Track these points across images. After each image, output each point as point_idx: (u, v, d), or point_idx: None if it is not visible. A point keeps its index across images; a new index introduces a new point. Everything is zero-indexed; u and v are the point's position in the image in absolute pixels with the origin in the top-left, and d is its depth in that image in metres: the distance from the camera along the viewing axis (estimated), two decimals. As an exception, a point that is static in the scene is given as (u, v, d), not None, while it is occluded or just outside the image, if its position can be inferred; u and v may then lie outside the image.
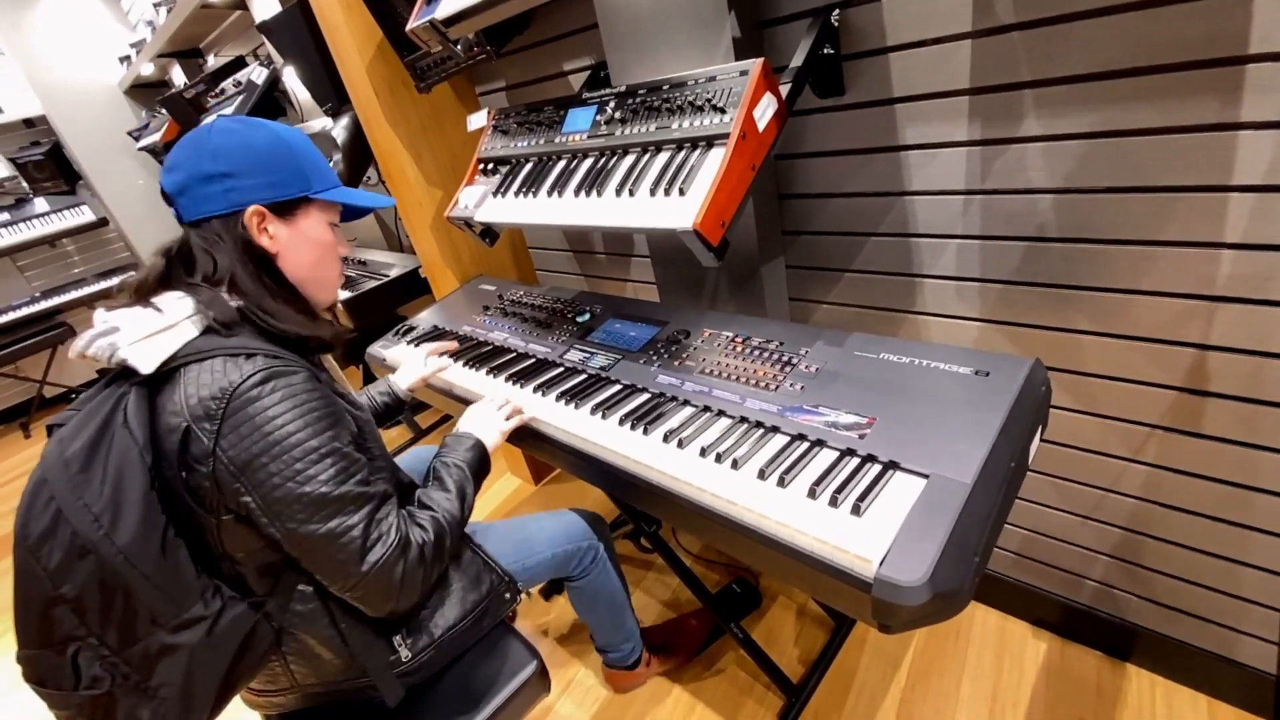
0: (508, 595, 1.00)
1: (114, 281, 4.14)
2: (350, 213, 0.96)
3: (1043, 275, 1.04)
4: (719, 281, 1.39)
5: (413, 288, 2.31)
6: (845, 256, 1.28)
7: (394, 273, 2.32)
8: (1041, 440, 1.17)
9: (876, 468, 0.79)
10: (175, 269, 0.80)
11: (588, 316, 1.38)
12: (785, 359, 1.03)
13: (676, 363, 1.12)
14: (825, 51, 1.03)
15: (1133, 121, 0.86)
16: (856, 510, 0.73)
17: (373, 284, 2.27)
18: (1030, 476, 1.24)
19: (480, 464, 1.01)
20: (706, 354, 1.12)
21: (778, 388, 0.97)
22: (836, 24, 1.04)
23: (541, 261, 2.04)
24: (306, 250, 0.85)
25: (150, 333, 0.72)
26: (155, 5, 2.78)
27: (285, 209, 0.83)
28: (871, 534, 0.70)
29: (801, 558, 0.73)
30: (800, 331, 1.09)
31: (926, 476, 0.75)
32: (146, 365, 0.71)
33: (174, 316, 0.74)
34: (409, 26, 1.14)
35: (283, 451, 0.71)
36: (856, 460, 0.81)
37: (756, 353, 1.07)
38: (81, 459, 0.68)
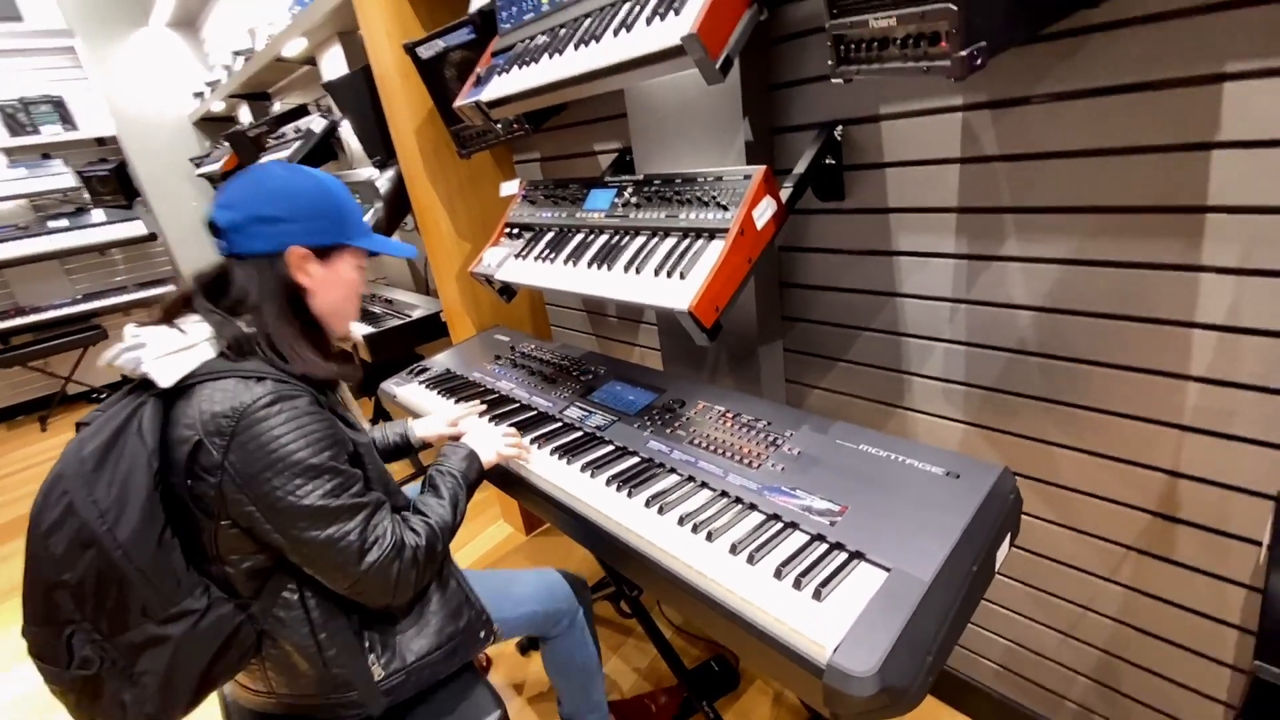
0: (482, 635, 1.03)
1: (152, 292, 4.35)
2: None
3: (1022, 386, 1.09)
4: (719, 356, 1.46)
5: (432, 330, 2.41)
6: (840, 347, 1.34)
7: (416, 314, 2.42)
8: (1015, 547, 1.20)
9: (843, 556, 0.82)
10: (199, 295, 0.88)
11: (591, 376, 1.45)
12: (771, 439, 1.08)
13: (668, 430, 1.17)
14: (827, 162, 1.13)
15: (1102, 253, 0.93)
16: (818, 595, 0.76)
17: (396, 322, 2.37)
18: (1012, 586, 1.25)
19: (474, 476, 1.07)
20: (698, 425, 1.17)
21: (760, 466, 1.02)
22: (839, 138, 1.14)
23: (556, 318, 2.14)
24: (336, 289, 0.94)
25: (172, 350, 0.80)
26: (235, 54, 3.04)
27: (324, 252, 0.92)
28: (829, 620, 0.72)
29: (761, 636, 0.76)
30: (788, 414, 1.14)
31: (888, 570, 0.78)
32: (165, 380, 0.78)
33: (194, 338, 0.82)
34: (457, 103, 1.27)
35: (285, 468, 0.78)
36: (825, 546, 0.84)
37: (745, 430, 1.12)
38: (96, 458, 0.75)
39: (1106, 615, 1.13)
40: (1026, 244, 1.01)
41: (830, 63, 0.83)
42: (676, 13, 0.86)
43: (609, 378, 1.43)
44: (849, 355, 1.33)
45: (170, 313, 0.85)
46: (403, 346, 2.40)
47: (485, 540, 2.28)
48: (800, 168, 1.10)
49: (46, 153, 4.14)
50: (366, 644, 0.92)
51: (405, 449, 1.34)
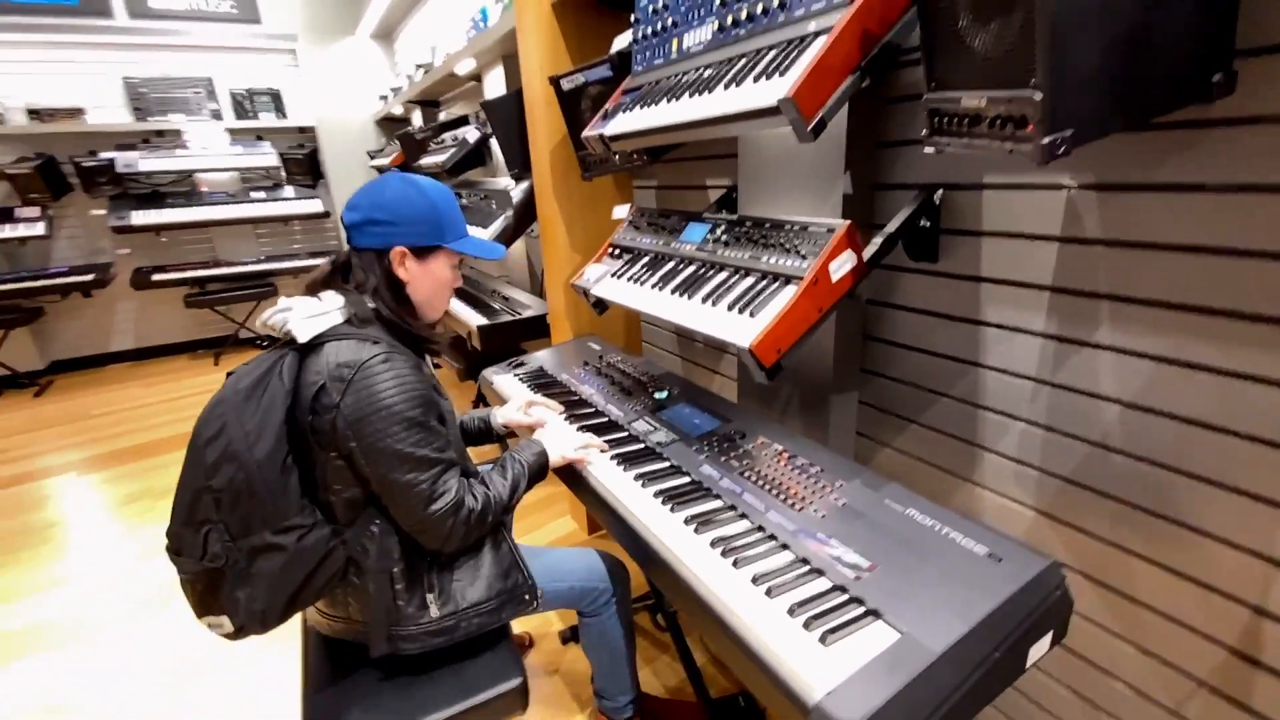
0: (526, 597, 1.15)
1: (318, 260, 5.02)
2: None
3: (1101, 484, 1.03)
4: (791, 397, 1.48)
5: (539, 329, 2.60)
6: (916, 408, 1.32)
7: (527, 313, 2.64)
8: (1065, 649, 1.12)
9: (859, 610, 0.83)
10: (336, 274, 1.10)
11: (665, 395, 1.53)
12: (821, 485, 1.10)
13: (724, 458, 1.22)
14: (922, 224, 1.14)
15: (1202, 357, 0.87)
16: (824, 640, 0.78)
17: (508, 318, 2.60)
18: (1055, 689, 1.16)
19: (539, 468, 1.21)
20: (752, 459, 1.21)
21: (802, 509, 1.04)
22: (938, 202, 1.14)
23: (648, 335, 2.24)
24: (429, 283, 1.11)
25: (311, 315, 0.99)
26: (417, 66, 3.48)
27: (422, 252, 1.09)
28: (829, 666, 0.75)
29: (762, 666, 0.79)
30: (845, 465, 1.15)
31: (901, 634, 0.79)
32: (303, 336, 0.97)
33: (328, 307, 1.01)
34: (584, 134, 1.41)
35: (387, 414, 0.94)
36: (844, 597, 0.86)
37: (797, 472, 1.15)
38: (247, 391, 0.94)
39: (1171, 751, 1.03)
40: (1120, 334, 0.96)
41: (924, 132, 0.86)
42: (782, 74, 0.93)
43: (681, 399, 1.50)
44: (923, 418, 1.31)
45: (313, 287, 1.05)
46: (510, 340, 2.62)
47: (548, 531, 2.41)
48: (891, 227, 1.12)
49: (260, 135, 4.93)
50: (428, 584, 1.06)
51: (487, 433, 1.50)
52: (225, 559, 0.94)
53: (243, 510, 0.93)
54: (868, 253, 1.08)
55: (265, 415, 0.93)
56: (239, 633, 0.98)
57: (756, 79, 0.98)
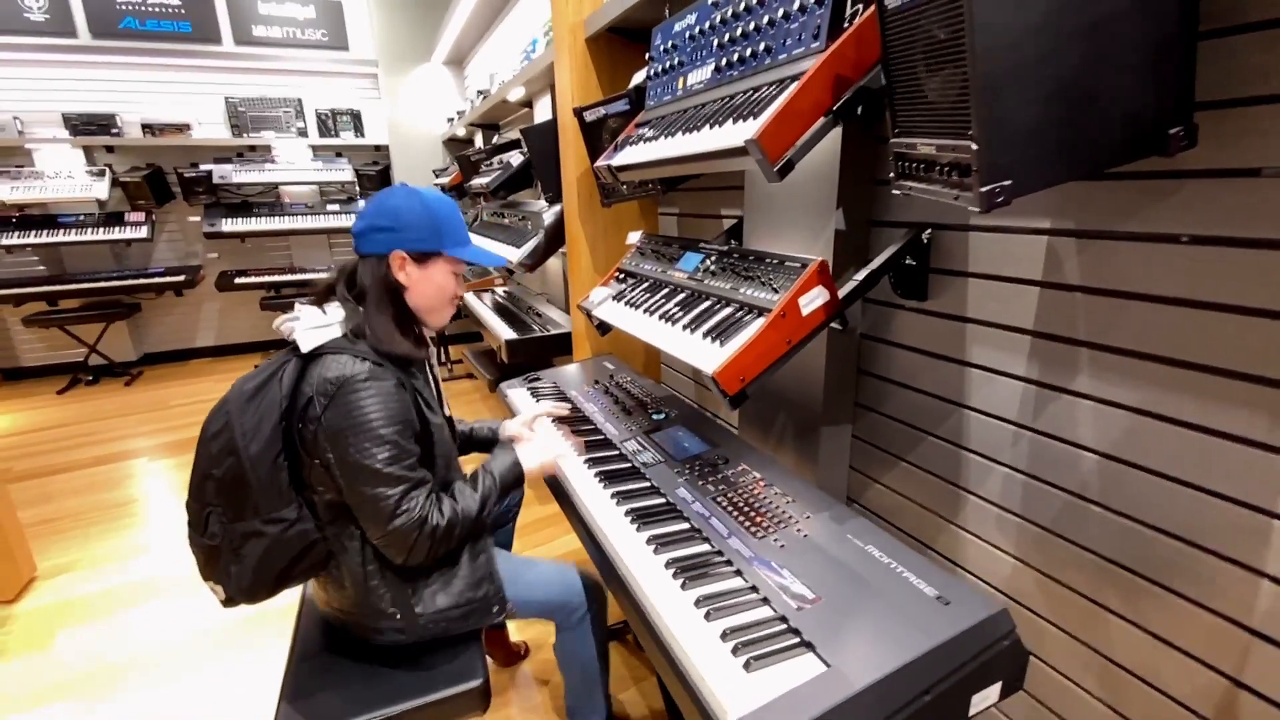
0: (495, 609, 1.19)
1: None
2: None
3: (1079, 536, 1.00)
4: (786, 428, 1.49)
5: (565, 345, 2.69)
6: (905, 446, 1.30)
7: (556, 330, 2.74)
8: (1039, 703, 1.07)
9: (793, 640, 0.84)
10: (341, 283, 1.16)
11: (662, 417, 1.56)
12: (788, 516, 1.10)
13: (702, 482, 1.25)
14: (907, 262, 1.14)
15: (1178, 411, 0.84)
16: (748, 666, 0.80)
17: (536, 333, 2.70)
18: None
19: (513, 480, 1.25)
20: (730, 484, 1.23)
21: (764, 538, 1.06)
22: (927, 240, 1.14)
23: (667, 357, 2.28)
24: (429, 289, 1.17)
25: (314, 326, 1.08)
26: (478, 93, 3.69)
27: (421, 257, 1.15)
28: (746, 692, 0.76)
29: (685, 682, 0.82)
30: (818, 498, 1.15)
31: (828, 666, 0.79)
32: (305, 346, 1.06)
33: (331, 319, 1.10)
34: (594, 164, 1.49)
35: (361, 430, 1.01)
36: (782, 627, 0.87)
37: (769, 501, 1.16)
38: (250, 393, 1.04)
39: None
40: (1098, 383, 0.93)
41: (892, 175, 0.88)
42: (755, 117, 0.97)
43: (676, 422, 1.53)
44: (912, 456, 1.29)
45: (322, 296, 1.15)
46: (538, 355, 2.72)
47: (553, 548, 2.46)
48: (875, 264, 1.13)
49: (339, 152, 5.32)
50: (401, 585, 1.13)
51: (493, 443, 1.57)
52: (221, 538, 1.04)
53: (238, 498, 1.03)
54: (847, 288, 1.09)
55: (263, 416, 1.03)
56: (229, 602, 1.09)
57: (735, 120, 1.02)
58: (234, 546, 1.05)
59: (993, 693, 0.86)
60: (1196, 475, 0.84)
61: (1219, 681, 0.85)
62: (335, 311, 1.12)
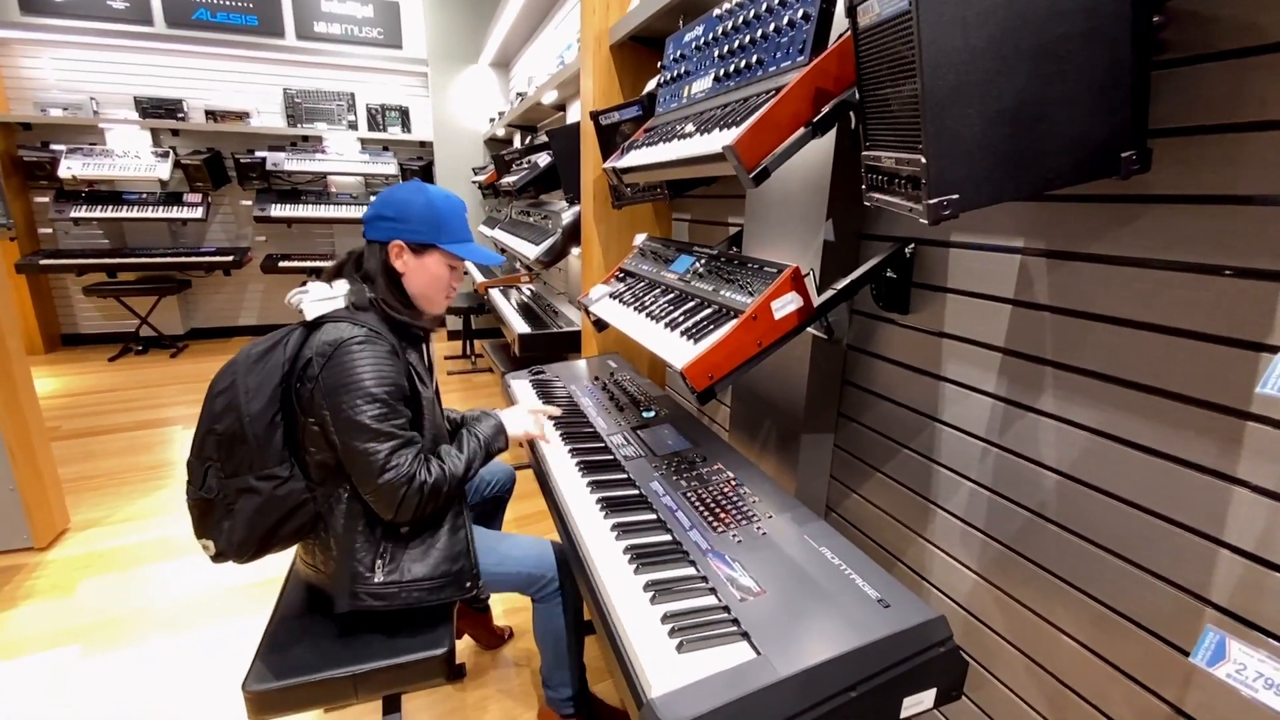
0: (468, 584, 1.24)
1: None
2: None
3: (1037, 554, 1.00)
4: (771, 433, 1.51)
5: (578, 343, 2.76)
6: (882, 457, 1.31)
7: (570, 328, 2.80)
8: (985, 714, 1.07)
9: (731, 628, 0.87)
10: (349, 264, 1.26)
11: (651, 414, 1.60)
12: (750, 515, 1.13)
13: (675, 477, 1.28)
14: (889, 275, 1.16)
15: (1132, 433, 0.84)
16: (680, 648, 0.83)
17: (550, 329, 2.77)
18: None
19: (497, 442, 1.33)
20: (702, 481, 1.26)
21: (723, 532, 1.09)
22: (909, 255, 1.16)
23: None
24: (423, 277, 1.25)
25: (320, 298, 1.16)
26: (517, 95, 3.81)
27: (418, 248, 1.23)
28: (674, 671, 0.80)
29: (621, 657, 0.85)
30: (782, 499, 1.18)
31: (759, 654, 0.82)
32: (310, 315, 1.15)
33: (336, 293, 1.18)
34: (603, 165, 1.54)
35: (354, 388, 1.09)
36: (723, 615, 0.90)
37: (734, 499, 1.19)
38: (256, 356, 1.13)
39: None
40: (1061, 402, 0.94)
41: (864, 187, 0.91)
42: (737, 126, 1.01)
43: (664, 420, 1.57)
44: (888, 468, 1.30)
45: (332, 274, 1.23)
46: (551, 349, 2.79)
47: (549, 528, 2.51)
48: (854, 274, 1.15)
49: (386, 146, 5.52)
50: (382, 550, 1.19)
51: None
52: (217, 492, 1.12)
53: (235, 454, 1.11)
54: (823, 296, 1.12)
55: (265, 378, 1.11)
56: (219, 557, 1.16)
57: (720, 128, 1.06)
58: (228, 502, 1.13)
59: (926, 698, 0.87)
60: (1149, 499, 0.84)
61: (1160, 708, 0.84)
62: (341, 287, 1.20)
